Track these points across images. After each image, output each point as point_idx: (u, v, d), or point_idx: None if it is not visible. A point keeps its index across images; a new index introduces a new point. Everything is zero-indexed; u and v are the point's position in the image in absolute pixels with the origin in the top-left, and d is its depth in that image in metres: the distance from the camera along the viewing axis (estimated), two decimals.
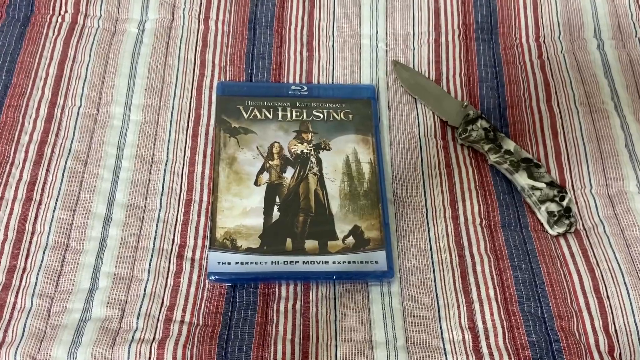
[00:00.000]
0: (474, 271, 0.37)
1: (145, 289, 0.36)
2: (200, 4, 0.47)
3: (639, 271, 0.37)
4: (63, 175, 0.39)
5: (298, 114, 0.43)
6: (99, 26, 0.46)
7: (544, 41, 0.47)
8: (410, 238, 0.39)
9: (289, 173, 0.41)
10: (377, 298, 0.37)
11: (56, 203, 0.38)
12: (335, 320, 0.36)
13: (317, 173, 0.41)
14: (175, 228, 0.38)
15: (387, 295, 0.37)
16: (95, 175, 0.40)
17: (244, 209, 0.39)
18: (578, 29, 0.48)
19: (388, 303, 0.36)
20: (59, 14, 0.46)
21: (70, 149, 0.40)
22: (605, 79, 0.45)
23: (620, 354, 0.34)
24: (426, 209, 0.40)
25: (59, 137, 0.41)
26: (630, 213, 0.39)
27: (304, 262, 0.37)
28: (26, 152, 0.40)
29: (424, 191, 0.41)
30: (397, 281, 0.37)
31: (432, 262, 0.38)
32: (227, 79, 0.45)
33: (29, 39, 0.45)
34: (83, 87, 0.43)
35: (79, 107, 0.42)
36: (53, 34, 0.45)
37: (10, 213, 0.38)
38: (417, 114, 0.45)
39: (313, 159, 0.41)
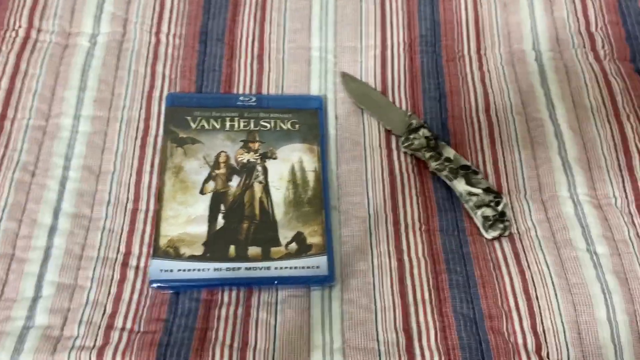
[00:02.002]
0: (411, 274, 0.39)
1: (88, 297, 0.37)
2: (152, 17, 0.48)
3: (567, 273, 0.38)
4: (10, 187, 0.40)
5: (246, 124, 0.45)
6: (51, 40, 0.47)
7: (484, 53, 0.49)
8: (352, 243, 0.40)
9: (235, 182, 0.42)
10: (317, 302, 0.38)
11: (3, 214, 0.39)
12: (275, 324, 0.37)
13: (263, 181, 0.42)
14: (120, 237, 0.39)
15: (328, 299, 0.38)
16: (42, 186, 0.40)
17: (188, 217, 0.40)
18: (517, 41, 0.50)
19: (328, 307, 0.38)
20: (13, 28, 0.47)
21: (18, 161, 0.41)
22: (542, 89, 0.47)
23: (547, 353, 0.36)
24: (369, 215, 0.42)
25: (7, 149, 0.42)
26: (561, 217, 0.41)
27: (246, 268, 0.38)
28: None
29: (367, 198, 0.43)
30: (338, 285, 0.39)
31: (372, 266, 0.39)
32: (178, 90, 0.46)
33: None
34: (33, 100, 0.44)
35: (29, 120, 0.43)
36: (7, 49, 0.46)
37: None
38: (364, 124, 0.46)
39: (259, 168, 0.43)
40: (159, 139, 0.44)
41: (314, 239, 0.40)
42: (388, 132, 0.46)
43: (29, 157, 0.41)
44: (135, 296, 0.37)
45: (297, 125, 0.45)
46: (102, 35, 0.47)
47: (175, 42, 0.48)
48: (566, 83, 0.47)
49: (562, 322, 0.36)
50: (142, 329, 0.36)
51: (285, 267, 0.39)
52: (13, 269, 0.37)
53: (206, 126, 0.44)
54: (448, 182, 0.43)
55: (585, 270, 0.38)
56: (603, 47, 0.49)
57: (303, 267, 0.39)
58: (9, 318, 0.36)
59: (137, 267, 0.38)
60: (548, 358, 0.35)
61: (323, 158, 0.44)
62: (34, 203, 0.40)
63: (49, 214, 0.39)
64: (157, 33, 0.48)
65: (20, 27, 0.47)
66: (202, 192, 0.41)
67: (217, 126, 0.44)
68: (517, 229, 0.41)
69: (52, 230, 0.39)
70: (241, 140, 0.44)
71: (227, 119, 0.45)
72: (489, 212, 0.41)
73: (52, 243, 0.38)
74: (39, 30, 0.47)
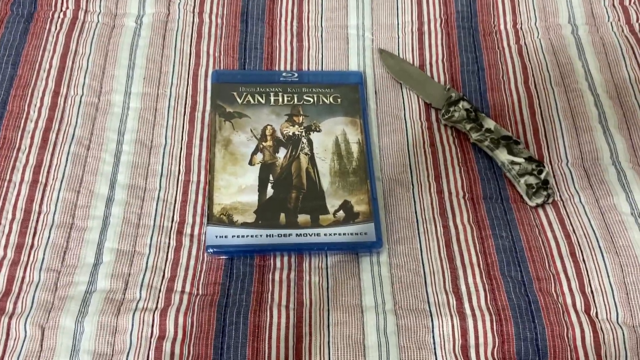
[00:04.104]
0: (458, 240, 0.40)
1: (147, 263, 0.38)
2: None
3: (612, 236, 0.39)
4: (67, 159, 0.41)
5: (289, 98, 0.46)
6: (98, 21, 0.48)
7: (521, 27, 0.50)
8: (397, 211, 0.41)
9: (282, 153, 0.43)
10: (366, 267, 0.39)
11: (61, 185, 0.40)
12: (328, 287, 0.38)
13: (308, 153, 0.43)
14: (174, 207, 0.41)
15: (377, 264, 0.39)
16: (98, 159, 0.42)
17: (239, 187, 0.41)
18: (553, 15, 0.50)
19: (377, 271, 0.39)
20: (61, 10, 0.48)
21: (73, 135, 0.43)
22: (580, 61, 0.47)
23: (596, 312, 0.36)
24: (412, 184, 0.43)
25: (62, 124, 0.43)
26: (604, 183, 0.41)
27: (297, 234, 0.39)
28: (32, 138, 0.42)
29: (410, 168, 0.43)
30: (385, 251, 0.40)
31: (419, 232, 0.40)
32: (222, 68, 0.47)
33: (32, 34, 0.47)
34: (85, 77, 0.45)
35: (81, 96, 0.44)
36: (55, 29, 0.47)
37: (18, 194, 0.40)
38: (403, 98, 0.47)
39: (304, 140, 0.44)
40: (206, 114, 0.45)
41: (360, 207, 0.41)
42: (427, 106, 0.47)
43: (83, 131, 0.43)
44: (192, 262, 0.38)
45: (339, 100, 0.46)
46: (147, 16, 0.49)
47: (217, 21, 0.49)
48: (603, 55, 0.48)
49: (609, 282, 0.37)
50: (200, 292, 0.37)
51: (334, 234, 0.40)
52: (73, 237, 0.39)
53: (252, 101, 0.45)
54: (489, 152, 0.44)
55: (631, 233, 0.38)
56: (637, 20, 0.50)
57: (351, 234, 0.40)
58: (72, 283, 0.37)
59: (191, 235, 0.40)
60: (597, 317, 0.36)
61: (366, 131, 0.45)
62: (90, 175, 0.41)
63: (105, 185, 0.41)
64: (200, 13, 0.49)
65: (67, 8, 0.49)
66: (250, 163, 0.42)
67: (262, 101, 0.45)
68: (560, 196, 0.42)
69: (109, 200, 0.40)
70: (285, 114, 0.45)
71: (272, 94, 0.46)
72: (532, 180, 0.42)
73: (110, 212, 0.40)
74: (85, 12, 0.49)
